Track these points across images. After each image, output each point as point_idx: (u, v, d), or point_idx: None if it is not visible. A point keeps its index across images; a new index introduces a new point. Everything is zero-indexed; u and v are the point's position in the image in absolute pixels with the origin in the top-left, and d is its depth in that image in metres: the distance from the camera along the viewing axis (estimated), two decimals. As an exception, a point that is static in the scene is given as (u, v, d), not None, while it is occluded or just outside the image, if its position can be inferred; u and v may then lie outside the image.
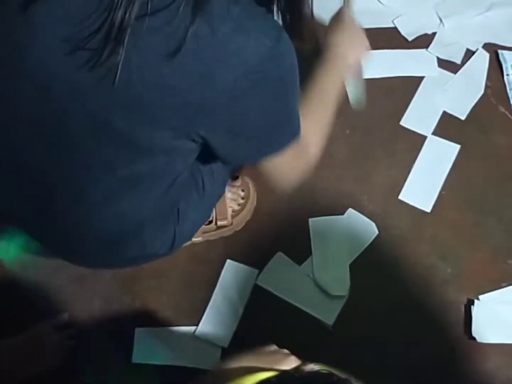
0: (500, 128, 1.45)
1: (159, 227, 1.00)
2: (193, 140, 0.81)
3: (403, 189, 1.39)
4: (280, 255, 1.33)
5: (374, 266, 1.32)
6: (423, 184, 1.39)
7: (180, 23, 0.68)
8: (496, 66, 1.52)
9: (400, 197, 1.38)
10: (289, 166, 0.90)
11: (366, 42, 1.13)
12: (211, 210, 1.19)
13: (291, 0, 0.81)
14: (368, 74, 1.37)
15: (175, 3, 0.68)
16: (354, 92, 1.26)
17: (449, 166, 1.40)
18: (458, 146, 1.42)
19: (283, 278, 1.32)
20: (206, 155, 0.88)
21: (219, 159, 0.89)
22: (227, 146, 0.83)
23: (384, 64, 1.51)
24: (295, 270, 1.32)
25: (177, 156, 0.88)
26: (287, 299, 1.29)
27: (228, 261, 1.33)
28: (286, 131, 0.84)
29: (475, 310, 1.25)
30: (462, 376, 1.22)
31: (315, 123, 0.96)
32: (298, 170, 0.95)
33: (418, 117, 1.47)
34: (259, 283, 1.31)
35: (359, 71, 1.18)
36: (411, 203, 1.38)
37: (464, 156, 1.41)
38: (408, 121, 1.46)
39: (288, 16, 0.82)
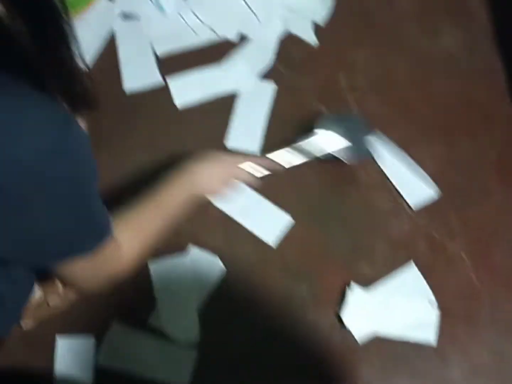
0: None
1: None
2: None
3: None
4: (116, 326, 1.23)
5: (228, 304, 1.27)
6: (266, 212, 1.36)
7: None
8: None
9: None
10: (94, 269, 0.81)
11: (227, 182, 1.09)
12: (16, 317, 1.01)
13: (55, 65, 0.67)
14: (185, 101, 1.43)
15: None
16: None
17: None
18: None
19: (125, 349, 1.22)
20: None
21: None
22: (18, 254, 0.73)
23: (197, 86, 1.49)
24: (136, 336, 1.23)
25: None
26: (134, 371, 1.20)
27: (58, 340, 1.22)
28: (87, 235, 0.75)
29: (349, 296, 1.26)
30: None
31: (138, 231, 0.88)
32: (104, 275, 0.85)
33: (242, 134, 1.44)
34: (101, 362, 1.21)
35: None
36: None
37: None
38: (233, 140, 1.43)
39: (62, 87, 0.69)
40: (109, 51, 1.54)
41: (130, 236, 0.83)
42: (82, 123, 0.65)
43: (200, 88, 1.48)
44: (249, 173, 1.14)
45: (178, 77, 1.50)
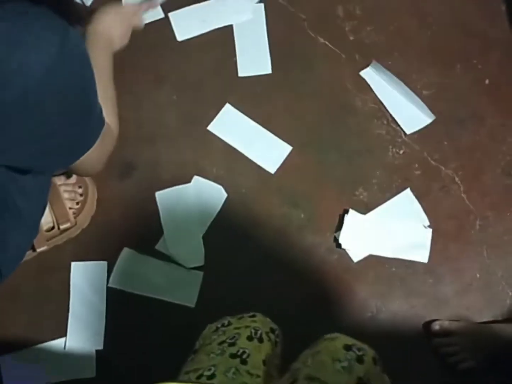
0: (323, 60, 1.48)
1: None
2: None
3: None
4: (126, 251, 1.31)
5: (230, 229, 1.33)
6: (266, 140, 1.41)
7: None
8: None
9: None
10: (100, 151, 0.87)
11: (131, 21, 1.16)
12: (36, 228, 1.06)
13: None
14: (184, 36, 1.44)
15: None
16: None
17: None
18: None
19: (135, 273, 1.30)
20: (9, 172, 0.83)
21: (28, 172, 0.85)
22: (36, 160, 0.79)
23: (197, 20, 1.51)
24: (145, 260, 1.30)
25: None
26: (144, 293, 1.28)
27: (73, 263, 1.30)
28: (94, 125, 0.82)
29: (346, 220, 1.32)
30: (340, 311, 1.29)
31: (105, 102, 0.91)
32: (108, 150, 0.93)
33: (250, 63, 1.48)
34: (112, 285, 1.28)
35: None
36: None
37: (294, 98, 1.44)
38: (244, 69, 1.47)
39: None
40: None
41: (106, 109, 0.88)
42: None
43: (201, 22, 1.50)
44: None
45: (179, 11, 1.52)
